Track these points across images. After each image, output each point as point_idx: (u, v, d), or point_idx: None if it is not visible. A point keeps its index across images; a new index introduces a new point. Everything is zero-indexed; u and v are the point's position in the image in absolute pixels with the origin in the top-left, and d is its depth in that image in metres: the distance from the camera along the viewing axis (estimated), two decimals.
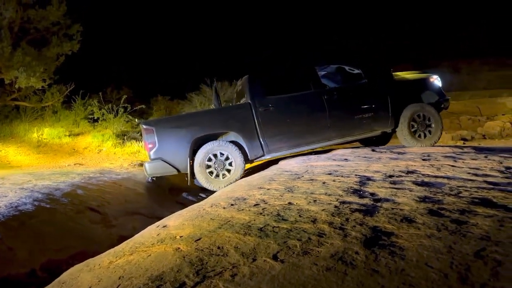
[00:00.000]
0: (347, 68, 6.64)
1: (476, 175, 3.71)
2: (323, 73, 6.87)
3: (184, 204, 5.89)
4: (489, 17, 30.08)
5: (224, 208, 3.12)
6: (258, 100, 5.86)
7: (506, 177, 3.56)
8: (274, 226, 2.43)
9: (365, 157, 5.30)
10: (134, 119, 10.83)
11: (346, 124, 6.12)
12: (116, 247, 2.88)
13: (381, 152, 5.53)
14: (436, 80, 6.68)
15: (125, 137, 10.87)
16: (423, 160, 4.59)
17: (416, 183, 3.43)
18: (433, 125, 6.34)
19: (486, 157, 4.58)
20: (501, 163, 4.25)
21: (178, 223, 2.94)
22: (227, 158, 5.63)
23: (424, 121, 6.34)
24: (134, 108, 11.45)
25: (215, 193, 4.87)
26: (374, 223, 2.34)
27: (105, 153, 9.92)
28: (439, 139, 6.49)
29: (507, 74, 23.92)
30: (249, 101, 5.87)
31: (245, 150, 5.77)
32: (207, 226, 2.67)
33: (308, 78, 6.24)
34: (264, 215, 2.70)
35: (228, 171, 5.63)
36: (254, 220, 2.61)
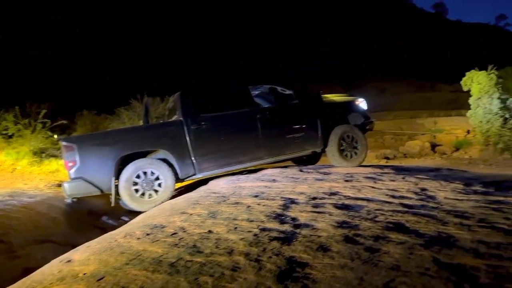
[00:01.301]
0: (279, 88, 6.69)
1: (393, 197, 3.84)
2: (256, 92, 6.86)
3: (103, 229, 5.49)
4: (415, 45, 32.69)
5: (138, 239, 2.90)
6: (191, 117, 5.66)
7: (420, 199, 3.73)
8: (188, 260, 2.27)
9: (292, 177, 5.32)
10: (53, 135, 10.07)
11: (278, 143, 6.14)
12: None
13: (308, 173, 5.60)
14: (362, 103, 6.94)
15: (44, 154, 10.06)
16: (346, 181, 4.70)
17: (336, 206, 3.46)
18: (359, 146, 6.54)
19: (403, 178, 4.80)
20: (416, 184, 4.46)
21: (84, 257, 2.67)
22: (157, 178, 5.33)
23: (351, 142, 6.52)
24: (55, 124, 10.66)
25: (135, 219, 4.58)
26: (290, 253, 2.28)
27: (19, 172, 9.08)
28: (364, 159, 6.72)
29: (426, 96, 25.97)
30: (181, 118, 5.65)
31: (175, 169, 5.52)
32: (114, 261, 2.44)
33: (242, 97, 6.22)
34: (179, 247, 2.53)
35: (156, 191, 5.34)
36: (167, 253, 2.44)
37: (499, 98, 11.97)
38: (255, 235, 2.67)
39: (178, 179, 5.58)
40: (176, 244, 2.60)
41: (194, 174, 5.67)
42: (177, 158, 5.52)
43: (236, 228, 2.92)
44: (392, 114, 18.51)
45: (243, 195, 4.34)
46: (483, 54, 29.49)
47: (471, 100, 12.33)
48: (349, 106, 6.87)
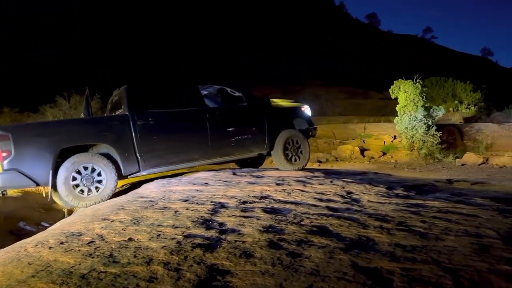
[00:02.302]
0: (229, 90, 6.70)
1: (321, 200, 3.92)
2: (205, 92, 6.74)
3: (19, 236, 5.04)
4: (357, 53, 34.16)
5: (50, 248, 2.67)
6: (137, 112, 5.43)
7: (346, 202, 3.84)
8: (101, 271, 2.11)
9: (225, 181, 5.26)
10: None
11: (226, 144, 6.14)
12: None
13: (241, 176, 5.57)
14: (306, 110, 7.19)
15: None
16: (277, 184, 4.72)
17: (265, 210, 3.45)
18: (303, 151, 6.74)
19: (331, 181, 4.93)
20: (343, 187, 4.60)
21: None
22: (98, 174, 5.00)
23: (296, 146, 6.68)
24: None
25: (53, 225, 4.25)
26: (213, 260, 2.21)
27: None
28: (307, 163, 6.93)
29: (359, 103, 27.24)
30: (127, 113, 5.40)
31: (118, 165, 5.23)
32: (19, 273, 2.21)
33: (191, 96, 6.13)
34: (93, 257, 2.36)
35: (97, 188, 5.01)
36: (80, 264, 2.26)
37: (423, 106, 12.84)
38: (178, 242, 2.57)
39: (121, 176, 5.31)
40: (91, 254, 2.42)
41: (138, 171, 5.44)
42: (121, 153, 5.25)
43: (159, 235, 2.79)
44: (326, 119, 19.15)
45: (173, 200, 4.19)
46: (411, 64, 31.59)
47: (398, 108, 13.11)
48: (295, 112, 7.07)
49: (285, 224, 2.91)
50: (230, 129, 6.23)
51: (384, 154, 13.08)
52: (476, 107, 20.03)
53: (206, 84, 6.76)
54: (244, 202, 3.83)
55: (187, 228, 2.92)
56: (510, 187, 6.48)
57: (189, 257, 2.28)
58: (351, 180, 5.12)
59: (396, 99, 13.39)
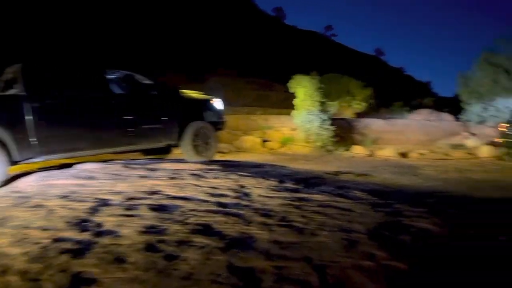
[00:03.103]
0: (137, 77, 6.43)
1: (212, 195, 3.89)
2: (112, 77, 6.28)
3: None
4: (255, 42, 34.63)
5: None
6: (33, 93, 4.99)
7: (236, 197, 3.85)
8: None
9: (115, 174, 4.95)
10: None
11: (133, 132, 5.92)
12: None
13: (134, 169, 5.30)
14: (217, 103, 7.22)
15: None
16: (171, 178, 4.58)
17: (152, 207, 3.30)
18: (211, 143, 6.82)
19: (226, 175, 4.94)
20: (237, 181, 4.63)
21: None
22: None
23: (204, 138, 6.72)
24: None
25: None
26: (79, 268, 2.03)
27: None
28: (214, 155, 7.05)
29: (264, 94, 27.89)
30: (22, 93, 4.91)
31: (8, 150, 4.68)
32: None
33: (96, 80, 5.82)
34: None
35: None
36: None
37: (319, 101, 13.61)
38: (44, 247, 2.32)
39: (13, 162, 4.79)
40: None
41: (32, 157, 4.98)
42: (12, 136, 4.72)
43: (24, 239, 2.50)
44: (232, 109, 19.29)
45: (50, 196, 3.81)
46: (312, 59, 33.22)
47: (296, 101, 13.72)
48: (206, 104, 7.08)
49: (169, 223, 2.82)
50: (137, 117, 6.01)
51: (283, 145, 13.63)
52: (366, 103, 21.84)
53: (113, 69, 6.38)
54: (131, 199, 3.63)
55: (58, 230, 2.66)
56: (388, 179, 7.18)
57: (53, 265, 2.07)
58: (246, 174, 5.18)
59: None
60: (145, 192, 3.91)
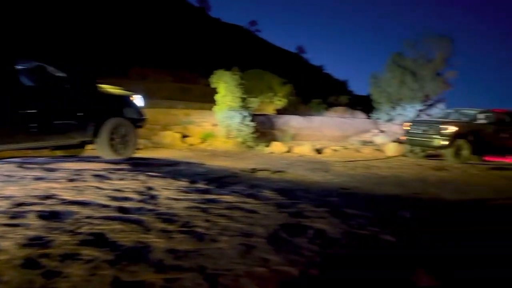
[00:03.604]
0: (50, 68, 6.05)
1: (115, 199, 3.68)
2: (21, 68, 5.76)
3: None
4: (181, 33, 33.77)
5: None
6: None
7: (141, 201, 3.69)
8: None
9: (6, 175, 4.50)
10: None
11: (41, 128, 5.65)
12: None
13: (29, 169, 4.85)
14: (138, 100, 7.14)
15: None
16: (70, 180, 4.27)
17: (42, 215, 3.02)
18: (130, 140, 6.77)
19: (134, 176, 4.73)
20: (145, 183, 4.45)
21: None
22: None
23: (122, 135, 6.63)
24: None
25: None
26: None
27: None
28: (132, 153, 7.02)
29: (186, 87, 27.37)
30: None
31: None
32: None
33: (3, 71, 5.41)
34: None
35: None
36: None
37: (240, 97, 13.67)
38: None
39: None
40: None
41: None
42: None
43: None
44: (152, 102, 18.64)
45: None
46: (235, 54, 33.31)
47: (217, 97, 13.65)
48: (125, 100, 6.97)
49: (57, 233, 2.59)
50: (50, 111, 5.79)
51: (204, 141, 13.50)
52: (287, 100, 22.45)
53: (24, 59, 5.96)
54: (20, 205, 3.30)
55: None
56: (301, 176, 7.42)
57: None
58: (156, 174, 5.02)
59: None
60: (37, 196, 3.59)
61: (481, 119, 12.41)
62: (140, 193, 3.99)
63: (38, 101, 5.65)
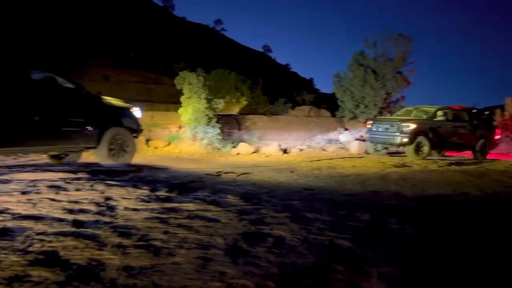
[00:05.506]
0: (59, 79, 6.57)
1: (71, 211, 3.57)
2: (34, 78, 6.29)
3: None
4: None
5: None
6: None
7: (98, 213, 3.60)
8: None
9: None
10: None
11: (53, 133, 6.25)
12: None
13: None
14: (136, 112, 7.75)
15: None
16: (24, 193, 4.10)
17: None
18: (128, 148, 7.30)
19: (92, 185, 4.61)
20: (103, 193, 4.35)
21: None
22: None
23: (121, 143, 7.15)
24: None
25: None
26: None
27: None
28: (131, 159, 7.50)
29: (150, 88, 26.89)
30: None
31: None
32: None
33: (20, 79, 5.96)
34: None
35: None
36: None
37: (205, 98, 13.55)
38: None
39: None
40: None
41: None
42: None
43: None
44: None
45: None
46: (200, 54, 33.06)
47: (182, 99, 13.49)
48: (125, 112, 7.52)
49: (6, 254, 2.48)
50: (58, 119, 6.32)
51: (169, 144, 13.31)
52: (254, 99, 22.49)
53: (36, 69, 6.48)
54: None
55: None
56: (266, 177, 7.45)
57: None
58: (115, 183, 4.90)
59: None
60: None
61: (440, 116, 12.88)
62: (97, 204, 3.89)
63: (50, 109, 6.22)
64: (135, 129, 7.65)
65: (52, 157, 7.74)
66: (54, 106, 6.30)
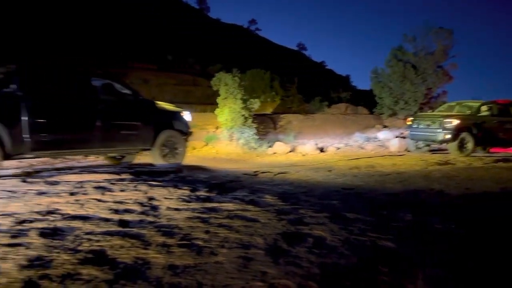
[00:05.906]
0: (117, 85, 7.05)
1: (116, 211, 3.71)
2: (95, 84, 6.79)
3: None
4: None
5: None
6: (31, 93, 5.62)
7: (142, 212, 3.72)
8: None
9: (10, 190, 4.54)
10: None
11: (113, 136, 6.69)
12: None
13: (32, 183, 4.90)
14: (186, 115, 8.08)
15: None
16: (71, 194, 4.30)
17: (44, 232, 3.05)
18: (179, 149, 7.69)
19: (135, 186, 4.76)
20: (146, 193, 4.48)
21: None
22: None
23: (173, 145, 7.55)
24: None
25: None
26: None
27: None
28: (182, 159, 7.86)
29: (188, 90, 27.42)
30: (20, 92, 5.51)
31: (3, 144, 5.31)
32: None
33: (84, 85, 6.49)
34: None
35: None
36: None
37: (241, 98, 13.65)
38: None
39: (6, 156, 5.40)
40: None
41: (23, 153, 5.61)
42: (8, 132, 5.31)
43: None
44: None
45: None
46: (236, 53, 33.32)
47: (219, 100, 13.65)
48: (176, 115, 7.91)
49: (58, 252, 2.61)
50: (119, 123, 6.77)
51: (207, 144, 13.51)
52: (289, 98, 22.45)
53: (97, 76, 6.95)
54: (22, 222, 3.33)
55: None
56: (304, 176, 7.40)
57: None
58: (157, 183, 5.04)
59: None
60: (39, 212, 3.62)
61: (484, 111, 12.32)
62: (141, 204, 4.01)
63: (112, 113, 6.65)
64: (185, 131, 7.98)
65: (110, 158, 8.20)
66: (114, 111, 6.72)
